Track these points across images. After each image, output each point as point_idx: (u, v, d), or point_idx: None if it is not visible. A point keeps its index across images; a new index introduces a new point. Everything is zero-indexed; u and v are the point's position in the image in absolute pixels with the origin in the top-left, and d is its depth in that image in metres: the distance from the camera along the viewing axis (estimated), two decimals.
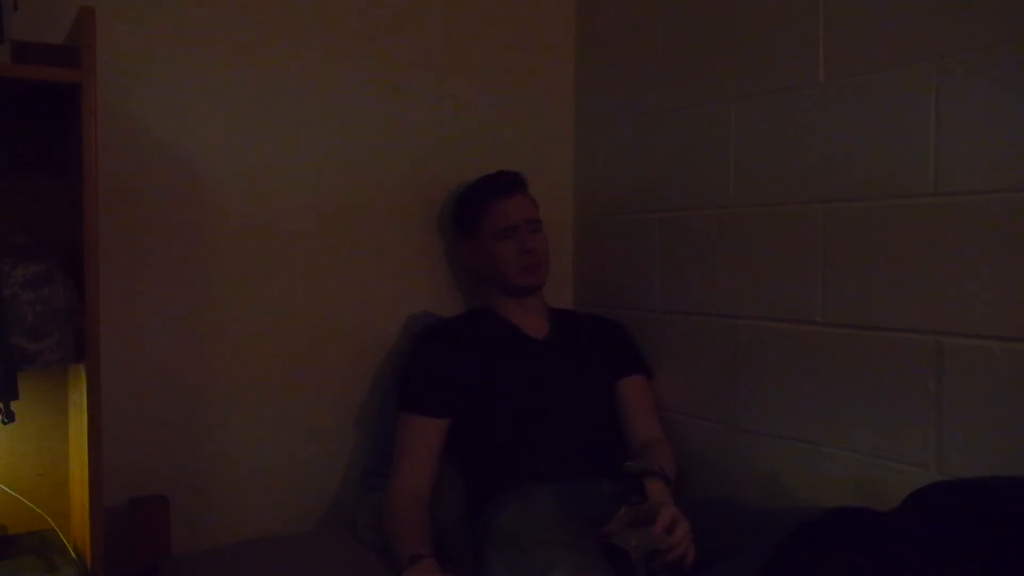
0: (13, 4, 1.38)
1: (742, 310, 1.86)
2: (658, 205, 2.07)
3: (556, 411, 1.87)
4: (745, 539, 1.45)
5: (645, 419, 1.97)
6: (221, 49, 1.88)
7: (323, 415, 2.02)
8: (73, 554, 1.54)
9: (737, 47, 1.86)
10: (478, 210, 2.01)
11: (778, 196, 1.77)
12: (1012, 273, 1.40)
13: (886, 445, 1.58)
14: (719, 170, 1.90)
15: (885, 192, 1.58)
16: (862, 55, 1.62)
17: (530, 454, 1.80)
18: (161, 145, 1.83)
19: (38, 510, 1.61)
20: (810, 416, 1.72)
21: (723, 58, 1.89)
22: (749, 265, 1.84)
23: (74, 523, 1.65)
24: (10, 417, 1.34)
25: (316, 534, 1.95)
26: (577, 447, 1.83)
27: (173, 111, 1.83)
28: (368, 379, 2.06)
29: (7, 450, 1.67)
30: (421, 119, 2.12)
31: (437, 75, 2.14)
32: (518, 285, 1.98)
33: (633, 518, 1.50)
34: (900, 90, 1.55)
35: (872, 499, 1.55)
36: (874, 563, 1.17)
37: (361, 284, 2.05)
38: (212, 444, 1.90)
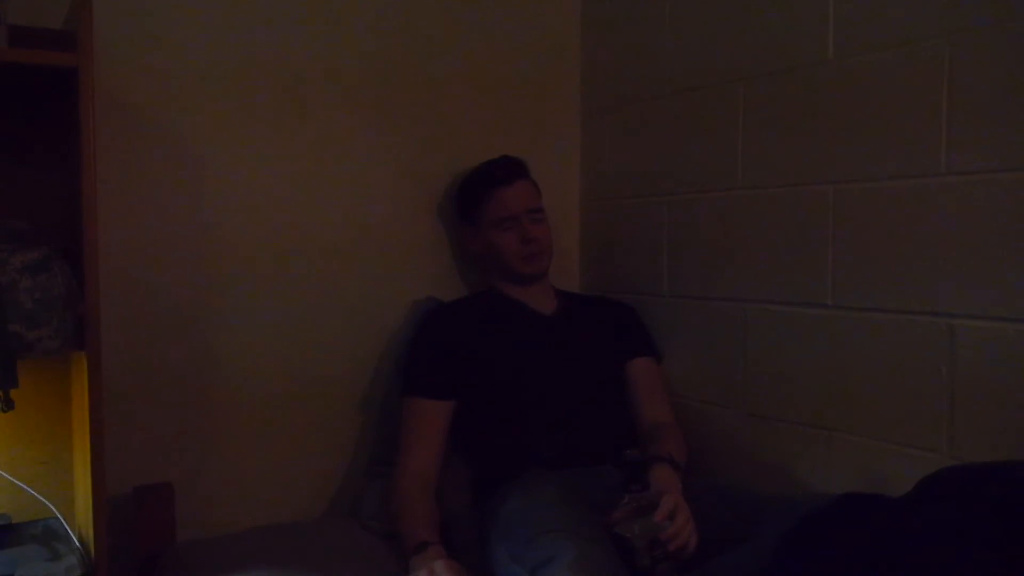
0: None
1: (751, 293, 1.84)
2: (665, 188, 2.05)
3: (562, 391, 1.86)
4: (754, 526, 1.44)
5: (654, 402, 1.95)
6: (221, 34, 1.86)
7: (328, 403, 2.01)
8: (76, 543, 1.53)
9: (745, 25, 1.83)
10: (478, 199, 1.99)
11: (787, 177, 1.75)
12: None
13: (897, 429, 1.56)
14: (727, 151, 1.87)
15: (896, 172, 1.55)
16: (873, 32, 1.59)
17: (536, 440, 1.79)
18: (161, 131, 1.81)
19: (41, 499, 1.60)
20: (820, 401, 1.70)
21: (731, 37, 1.87)
22: (758, 248, 1.82)
23: (78, 511, 1.64)
24: (9, 405, 1.33)
25: (321, 522, 1.94)
26: (583, 432, 1.81)
27: (173, 96, 1.82)
28: (373, 365, 2.05)
29: (11, 438, 1.66)
30: (426, 105, 2.10)
31: (441, 59, 2.11)
32: (520, 273, 1.97)
33: (636, 507, 1.49)
34: (911, 68, 1.52)
35: (883, 485, 1.54)
36: (885, 550, 1.16)
37: (365, 270, 2.04)
38: (216, 432, 1.89)
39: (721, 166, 1.89)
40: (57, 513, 1.61)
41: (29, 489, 1.61)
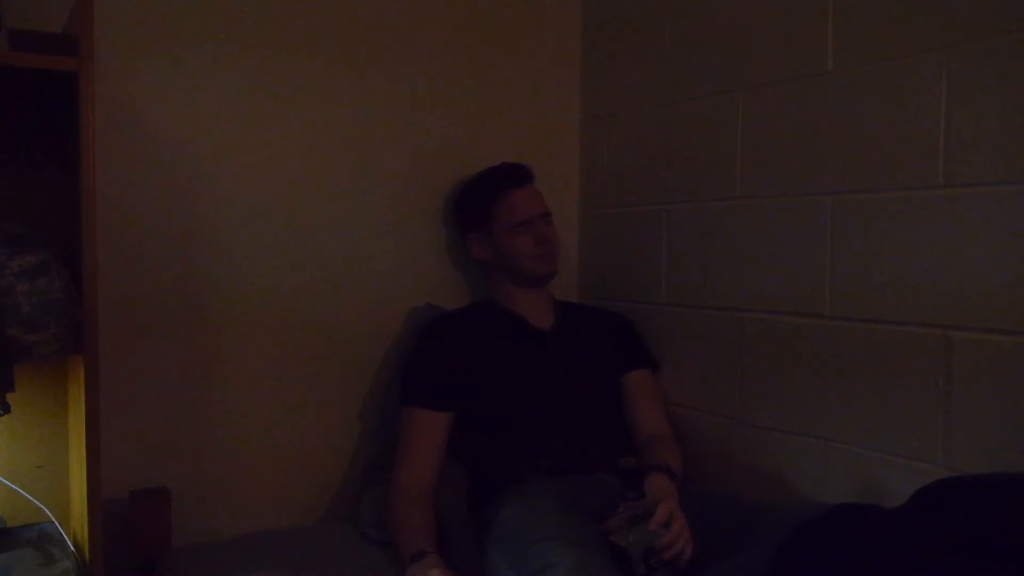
0: None
1: (748, 303, 1.84)
2: (663, 197, 2.05)
3: (560, 403, 1.86)
4: (751, 536, 1.44)
5: (651, 413, 1.95)
6: (222, 39, 1.86)
7: (325, 408, 2.01)
8: (72, 547, 1.53)
9: (744, 36, 1.84)
10: (489, 203, 1.99)
11: (785, 188, 1.75)
12: (1022, 266, 1.38)
13: (893, 440, 1.56)
14: (725, 161, 1.87)
15: (894, 184, 1.56)
16: (871, 44, 1.59)
17: (534, 448, 1.79)
18: (160, 135, 1.81)
19: (37, 503, 1.60)
20: (816, 411, 1.70)
21: (730, 48, 1.87)
22: (756, 257, 1.82)
23: (73, 516, 1.64)
24: (6, 408, 1.33)
25: (319, 528, 1.94)
26: (581, 441, 1.81)
27: (173, 100, 1.82)
28: (371, 372, 2.05)
29: (6, 442, 1.66)
30: (425, 111, 2.10)
31: (441, 68, 2.12)
32: (535, 274, 1.98)
33: (632, 515, 1.49)
34: (910, 80, 1.53)
35: (879, 495, 1.54)
36: (882, 560, 1.16)
37: (363, 276, 2.04)
38: (214, 437, 1.89)
39: (720, 175, 1.89)
40: (52, 517, 1.60)
41: (24, 493, 1.61)
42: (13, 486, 1.61)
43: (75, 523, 1.61)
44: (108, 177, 1.66)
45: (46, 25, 1.55)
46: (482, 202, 2.01)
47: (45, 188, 1.62)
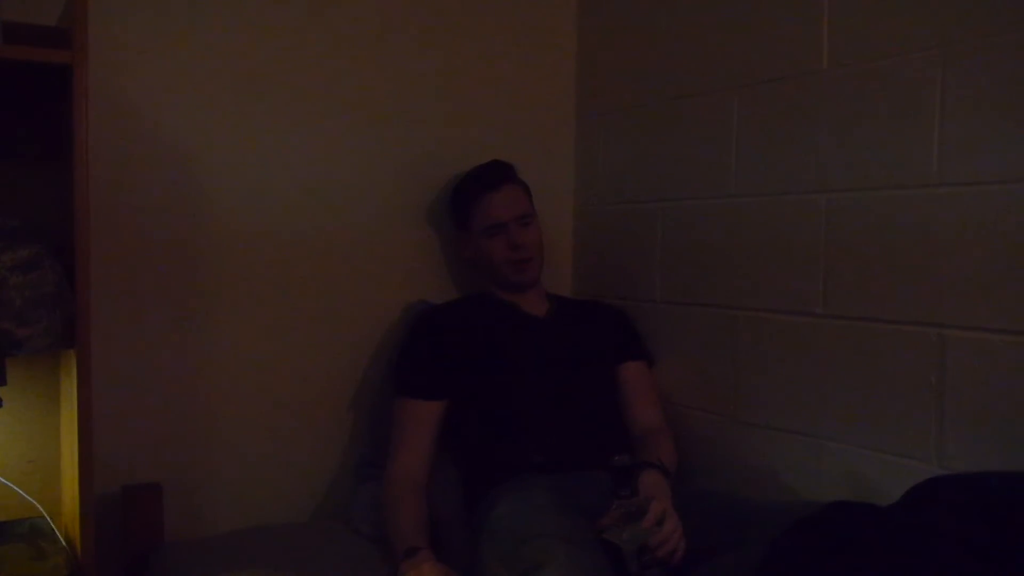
0: None
1: (742, 301, 1.84)
2: (659, 194, 2.05)
3: (554, 394, 1.85)
4: (744, 533, 1.44)
5: (646, 406, 1.95)
6: (217, 34, 1.86)
7: (318, 405, 2.00)
8: (63, 542, 1.53)
9: (740, 34, 1.84)
10: (468, 206, 2.00)
11: (780, 186, 1.75)
12: (1016, 265, 1.38)
13: (887, 438, 1.57)
14: (721, 159, 1.87)
15: (888, 182, 1.56)
16: (866, 42, 1.59)
17: (527, 444, 1.79)
18: (155, 129, 1.81)
19: (28, 497, 1.60)
20: (810, 409, 1.70)
21: (725, 46, 1.87)
22: (750, 255, 1.82)
23: (65, 511, 1.63)
24: None
25: (311, 524, 1.94)
26: (575, 437, 1.81)
27: (167, 94, 1.82)
28: (364, 368, 2.05)
29: None
30: (421, 108, 2.10)
31: (437, 64, 2.12)
32: (511, 282, 1.98)
33: (626, 512, 1.49)
34: (905, 78, 1.53)
35: (872, 494, 1.54)
36: (874, 559, 1.16)
37: (357, 273, 2.04)
38: (206, 432, 1.88)
39: (715, 173, 1.89)
40: (44, 512, 1.60)
41: (16, 487, 1.60)
42: (5, 481, 1.61)
43: (67, 518, 1.60)
44: (102, 171, 1.65)
45: (40, 18, 1.54)
46: (462, 204, 2.02)
47: (39, 182, 1.62)
